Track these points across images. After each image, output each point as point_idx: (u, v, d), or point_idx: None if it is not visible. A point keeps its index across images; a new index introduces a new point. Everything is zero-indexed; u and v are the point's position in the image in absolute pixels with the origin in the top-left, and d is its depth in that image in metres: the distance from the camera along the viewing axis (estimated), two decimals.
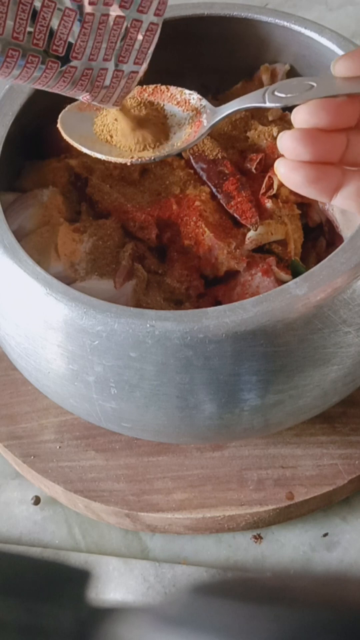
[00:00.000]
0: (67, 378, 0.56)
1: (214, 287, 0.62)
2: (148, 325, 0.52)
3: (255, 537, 0.65)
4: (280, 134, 0.46)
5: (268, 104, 0.49)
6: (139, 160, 0.54)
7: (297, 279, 0.53)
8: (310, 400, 0.57)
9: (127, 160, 0.54)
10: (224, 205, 0.64)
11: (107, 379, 0.55)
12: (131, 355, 0.53)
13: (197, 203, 0.63)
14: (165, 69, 0.71)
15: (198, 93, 0.72)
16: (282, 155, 0.47)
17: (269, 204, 0.63)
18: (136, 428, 0.58)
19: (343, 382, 0.58)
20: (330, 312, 0.53)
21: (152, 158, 0.54)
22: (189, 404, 0.55)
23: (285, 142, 0.46)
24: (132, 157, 0.55)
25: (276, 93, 0.49)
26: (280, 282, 0.60)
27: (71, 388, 0.57)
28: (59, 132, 0.67)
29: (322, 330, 0.53)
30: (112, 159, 0.55)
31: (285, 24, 0.67)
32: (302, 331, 0.53)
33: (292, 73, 0.70)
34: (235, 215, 0.63)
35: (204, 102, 0.56)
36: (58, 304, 0.54)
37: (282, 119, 0.69)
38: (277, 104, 0.49)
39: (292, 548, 0.64)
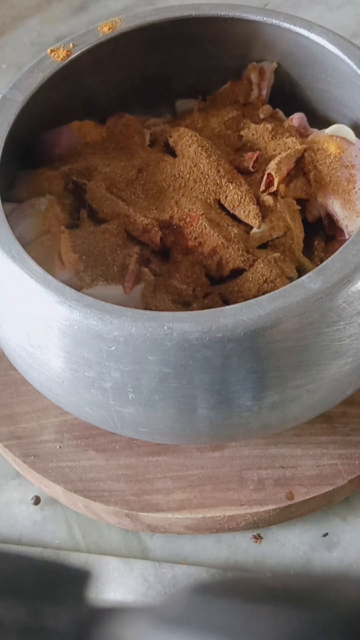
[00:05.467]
0: (82, 386, 0.56)
1: (220, 286, 0.62)
2: (166, 328, 0.52)
3: (255, 537, 0.65)
4: None
5: None
6: None
7: (310, 273, 0.54)
8: (327, 394, 0.57)
9: None
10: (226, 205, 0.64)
11: (124, 385, 0.54)
12: (149, 359, 0.53)
13: (199, 203, 0.63)
14: (152, 72, 0.72)
15: (186, 95, 0.73)
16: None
17: (269, 201, 0.63)
18: (154, 432, 0.58)
19: (358, 374, 0.58)
20: (345, 304, 0.53)
21: None
22: (208, 405, 0.55)
23: None
24: None
25: None
26: (286, 277, 0.60)
27: (87, 396, 0.56)
28: (52, 140, 0.67)
29: (338, 322, 0.54)
30: None
31: (274, 21, 0.67)
32: (319, 325, 0.53)
33: (279, 70, 0.70)
34: (238, 214, 0.63)
35: None
36: (73, 311, 0.53)
37: (273, 116, 0.69)
38: None
39: (292, 548, 0.64)
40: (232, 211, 0.63)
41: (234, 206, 0.63)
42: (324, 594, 0.38)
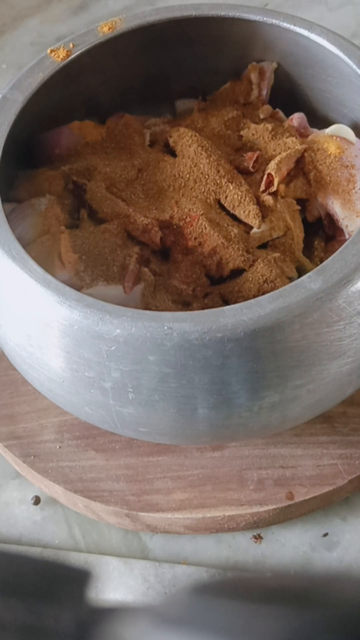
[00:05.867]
0: (82, 386, 0.56)
1: (220, 286, 0.62)
2: (166, 328, 0.52)
3: (255, 537, 0.65)
4: None
5: None
6: None
7: (310, 273, 0.54)
8: (327, 394, 0.57)
9: None
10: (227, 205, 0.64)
11: (124, 384, 0.54)
12: (149, 359, 0.53)
13: (199, 203, 0.63)
14: (152, 72, 0.72)
15: (186, 95, 0.73)
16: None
17: (269, 201, 0.63)
18: (154, 432, 0.58)
19: (358, 374, 0.58)
20: (345, 304, 0.53)
21: None
22: (209, 405, 0.55)
23: None
24: None
25: None
26: (286, 277, 0.60)
27: (87, 396, 0.57)
28: (52, 140, 0.66)
29: (338, 322, 0.54)
30: None
31: (274, 21, 0.67)
32: (319, 325, 0.53)
33: (279, 70, 0.70)
34: (238, 214, 0.63)
35: None
36: (73, 311, 0.53)
37: (273, 116, 0.69)
38: None
39: (292, 548, 0.64)
40: (232, 211, 0.63)
41: (234, 206, 0.63)
42: (324, 594, 0.38)
